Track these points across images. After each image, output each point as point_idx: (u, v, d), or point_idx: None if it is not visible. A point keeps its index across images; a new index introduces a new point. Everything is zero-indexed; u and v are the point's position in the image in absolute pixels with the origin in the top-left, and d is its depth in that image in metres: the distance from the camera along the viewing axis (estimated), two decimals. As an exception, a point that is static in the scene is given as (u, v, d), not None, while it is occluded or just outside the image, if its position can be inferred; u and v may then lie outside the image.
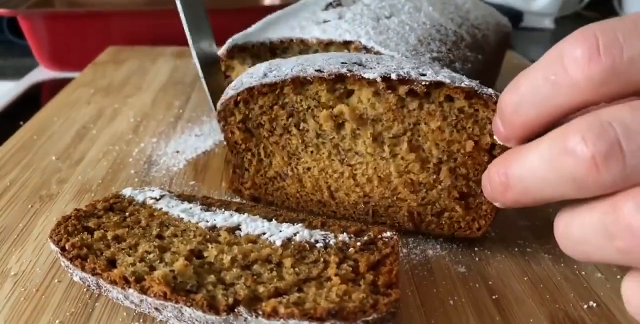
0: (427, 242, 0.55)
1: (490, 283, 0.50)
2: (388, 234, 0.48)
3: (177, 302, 0.39)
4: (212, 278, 0.42)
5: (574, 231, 0.34)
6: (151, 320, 0.44)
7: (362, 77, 0.48)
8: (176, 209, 0.51)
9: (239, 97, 0.54)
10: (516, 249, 0.54)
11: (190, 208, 0.52)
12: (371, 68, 0.49)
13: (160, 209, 0.51)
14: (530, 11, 1.84)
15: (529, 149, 0.35)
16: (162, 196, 0.53)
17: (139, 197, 0.53)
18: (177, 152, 0.72)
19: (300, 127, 0.53)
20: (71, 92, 0.92)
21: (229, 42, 0.67)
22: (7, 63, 1.35)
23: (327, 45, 0.62)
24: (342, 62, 0.50)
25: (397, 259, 0.44)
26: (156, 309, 0.41)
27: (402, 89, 0.48)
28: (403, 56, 0.58)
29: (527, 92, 0.35)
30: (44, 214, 0.58)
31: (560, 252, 0.54)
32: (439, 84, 0.47)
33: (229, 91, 0.55)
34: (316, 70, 0.50)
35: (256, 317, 0.38)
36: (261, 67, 0.54)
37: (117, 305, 0.45)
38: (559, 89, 0.33)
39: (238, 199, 0.61)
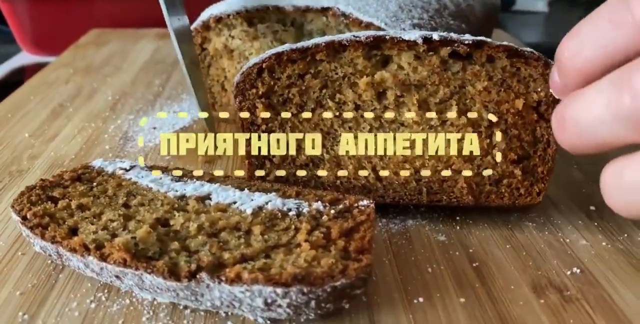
0: (407, 211, 0.53)
1: (470, 250, 0.48)
2: (365, 202, 0.46)
3: (137, 269, 0.37)
4: (175, 245, 0.40)
5: (626, 179, 0.32)
6: (116, 291, 0.42)
7: (403, 39, 0.46)
8: (146, 179, 0.50)
9: (264, 64, 0.48)
10: (498, 217, 0.53)
11: (160, 178, 0.50)
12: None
13: (129, 179, 0.50)
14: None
15: (588, 89, 0.33)
16: (132, 167, 0.52)
17: (109, 168, 0.51)
18: (154, 128, 0.70)
19: (336, 99, 0.49)
20: (50, 73, 0.91)
21: (205, 13, 0.65)
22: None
23: (304, 12, 0.60)
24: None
25: (371, 226, 0.43)
26: (117, 277, 0.39)
27: (445, 50, 0.46)
28: (382, 22, 0.56)
29: (587, 35, 0.33)
30: (12, 190, 0.56)
31: (544, 220, 0.53)
32: (480, 44, 0.46)
33: (254, 59, 0.49)
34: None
35: (219, 283, 0.36)
36: (286, 45, 0.49)
37: (82, 276, 0.44)
38: (622, 31, 0.31)
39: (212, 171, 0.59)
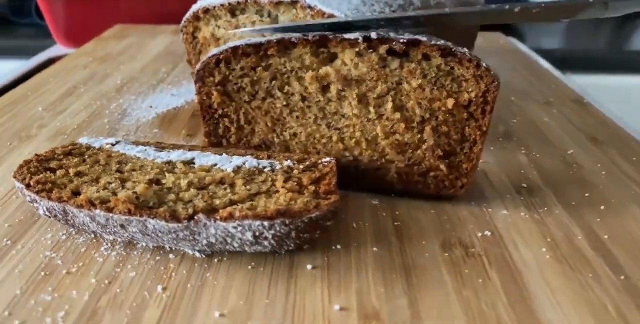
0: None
1: (397, 213, 0.54)
2: (327, 159, 0.53)
3: (141, 216, 0.44)
4: (171, 196, 0.47)
5: None
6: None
7: (344, 38, 0.51)
8: (132, 151, 0.56)
9: (220, 56, 0.54)
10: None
11: (145, 150, 0.57)
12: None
13: (117, 151, 0.56)
14: (537, 0, 1.84)
15: None
16: (117, 142, 0.58)
17: (96, 144, 0.57)
18: (151, 107, 0.79)
19: (285, 90, 0.54)
20: (72, 60, 1.01)
21: (195, 5, 0.74)
22: (34, 43, 1.46)
23: (277, 4, 0.67)
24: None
25: (334, 176, 0.50)
26: (122, 226, 0.45)
27: (383, 48, 0.50)
28: (342, 14, 0.63)
29: None
30: (19, 150, 0.66)
31: (476, 193, 0.58)
32: (416, 43, 0.50)
33: (213, 51, 0.55)
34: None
35: (214, 222, 0.43)
36: (248, 38, 0.56)
37: (60, 216, 0.52)
38: None
39: (192, 143, 0.67)
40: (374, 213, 0.54)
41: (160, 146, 0.57)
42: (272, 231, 0.44)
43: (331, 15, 0.63)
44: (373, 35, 0.51)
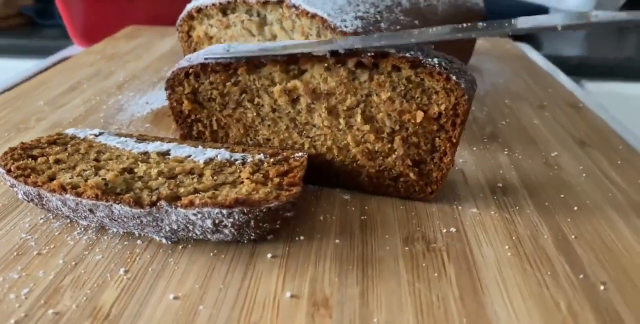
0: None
1: (366, 208, 0.55)
2: (299, 154, 0.55)
3: (107, 201, 0.46)
4: (139, 184, 0.49)
5: None
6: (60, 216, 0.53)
7: (312, 55, 0.52)
8: (113, 141, 0.58)
9: (190, 70, 0.55)
10: (406, 186, 0.59)
11: (126, 141, 0.59)
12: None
13: (99, 141, 0.59)
14: (557, 9, 1.83)
15: None
16: (101, 133, 0.61)
17: (80, 135, 0.60)
18: (147, 103, 0.82)
19: (255, 102, 0.56)
20: (80, 58, 1.05)
21: (190, 4, 0.76)
22: (56, 44, 1.51)
23: (264, 4, 0.69)
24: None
25: (302, 170, 0.51)
26: (90, 210, 0.47)
27: (351, 62, 0.51)
28: (325, 13, 0.65)
29: None
30: (16, 140, 0.69)
31: (448, 191, 0.58)
32: (384, 55, 0.49)
33: (183, 62, 0.56)
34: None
35: (175, 208, 0.45)
36: (220, 46, 0.56)
37: (41, 201, 0.54)
38: None
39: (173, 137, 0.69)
40: (343, 207, 0.55)
41: (142, 138, 0.59)
42: (231, 220, 0.45)
43: (314, 15, 0.65)
44: (340, 49, 0.51)
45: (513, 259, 0.47)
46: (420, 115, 0.51)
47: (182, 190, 0.48)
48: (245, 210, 0.45)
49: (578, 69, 1.45)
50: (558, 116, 0.81)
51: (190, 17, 0.76)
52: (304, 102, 0.55)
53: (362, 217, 0.53)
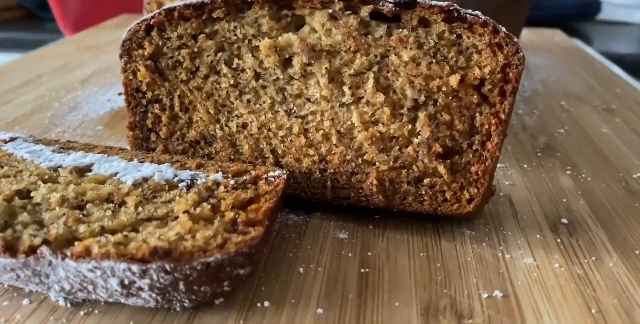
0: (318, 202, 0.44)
1: (369, 254, 0.38)
2: (277, 173, 0.39)
3: None
4: (25, 217, 0.34)
5: None
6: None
7: None
8: (23, 150, 0.44)
9: (152, 21, 0.41)
10: (431, 220, 0.42)
11: (41, 150, 0.44)
12: None
13: (6, 150, 0.44)
14: (612, 3, 1.63)
15: None
16: (13, 139, 0.46)
17: None
18: (109, 100, 0.67)
19: (234, 66, 0.42)
20: (55, 49, 0.92)
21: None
22: (55, 37, 1.39)
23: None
24: None
25: (274, 198, 0.36)
26: None
27: (366, 10, 0.38)
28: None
29: None
30: None
31: (490, 228, 0.41)
32: (411, 4, 0.37)
33: (140, 19, 0.43)
34: None
35: (62, 260, 0.29)
36: None
37: None
38: None
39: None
40: (336, 252, 0.38)
41: (67, 146, 0.44)
42: (148, 280, 0.29)
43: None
44: None
45: (598, 352, 0.30)
46: (455, 80, 0.37)
47: (82, 229, 0.31)
48: (168, 267, 0.28)
49: (635, 68, 1.26)
50: (633, 122, 0.62)
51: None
52: (298, 64, 0.40)
53: (363, 270, 0.36)
